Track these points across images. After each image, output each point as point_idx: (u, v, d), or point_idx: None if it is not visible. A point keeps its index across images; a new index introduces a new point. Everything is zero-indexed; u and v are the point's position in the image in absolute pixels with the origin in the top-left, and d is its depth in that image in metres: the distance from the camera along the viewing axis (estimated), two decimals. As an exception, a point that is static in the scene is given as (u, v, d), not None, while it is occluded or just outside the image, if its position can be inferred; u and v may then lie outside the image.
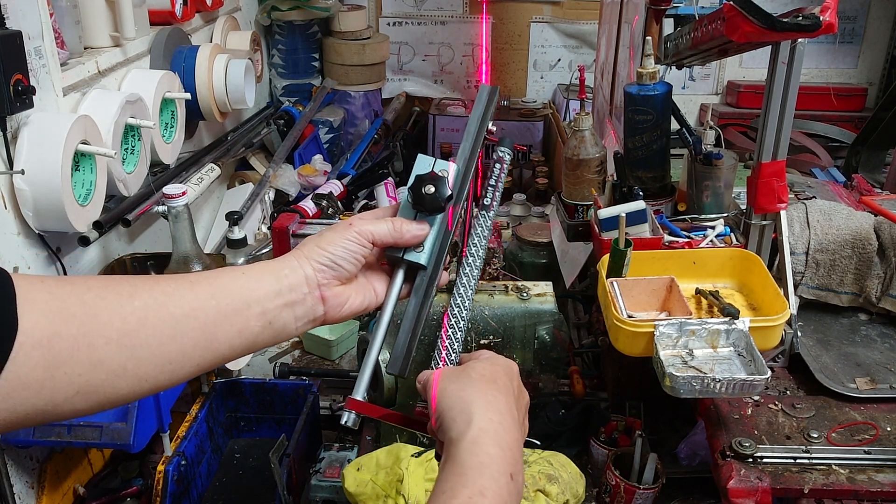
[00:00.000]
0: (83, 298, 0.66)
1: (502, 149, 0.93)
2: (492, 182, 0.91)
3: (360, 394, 0.80)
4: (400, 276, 0.85)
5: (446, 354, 0.83)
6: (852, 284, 1.49)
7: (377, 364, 0.83)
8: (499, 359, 0.79)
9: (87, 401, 0.66)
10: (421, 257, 0.84)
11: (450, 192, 0.83)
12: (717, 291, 1.32)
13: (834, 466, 1.17)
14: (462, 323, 0.86)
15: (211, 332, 0.72)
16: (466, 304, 0.86)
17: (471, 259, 0.88)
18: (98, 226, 1.69)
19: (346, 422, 0.78)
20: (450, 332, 0.84)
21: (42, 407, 0.63)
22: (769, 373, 1.12)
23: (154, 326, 0.69)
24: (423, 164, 0.86)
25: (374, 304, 0.86)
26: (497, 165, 0.92)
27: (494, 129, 0.92)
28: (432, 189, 0.82)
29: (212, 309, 0.72)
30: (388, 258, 0.86)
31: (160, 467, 1.50)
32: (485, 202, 0.90)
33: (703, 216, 1.57)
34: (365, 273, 0.85)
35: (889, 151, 2.42)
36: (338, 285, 0.81)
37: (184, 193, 1.67)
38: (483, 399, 0.71)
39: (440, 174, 0.85)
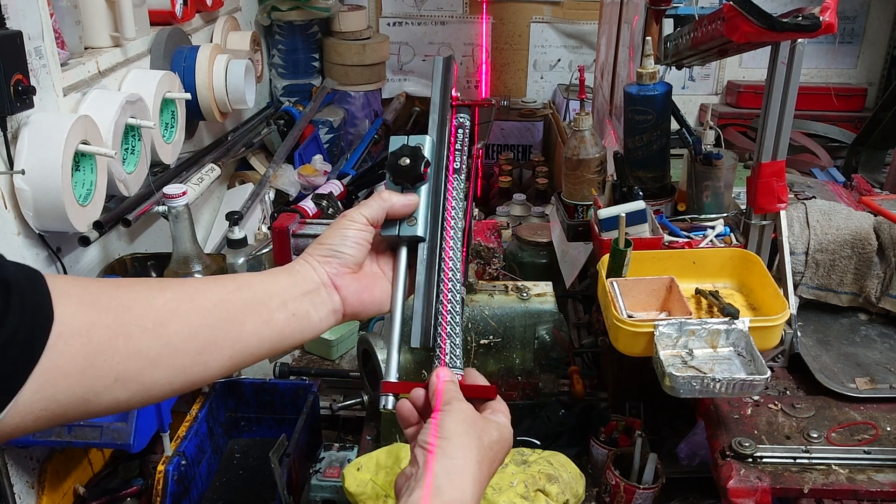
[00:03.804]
0: (115, 294, 0.70)
1: (462, 115, 0.96)
2: (458, 147, 0.95)
3: (392, 375, 0.81)
4: (404, 253, 0.87)
5: (448, 326, 0.83)
6: (852, 284, 1.49)
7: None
8: (508, 432, 0.78)
9: (127, 389, 0.68)
10: (417, 229, 0.86)
11: (426, 158, 0.85)
12: (716, 291, 1.32)
13: (834, 466, 1.17)
14: (460, 288, 0.86)
15: (239, 322, 0.76)
16: (458, 266, 0.87)
17: (453, 223, 0.90)
18: (98, 226, 1.69)
19: (384, 406, 0.79)
20: (450, 297, 0.84)
21: (82, 395, 0.65)
22: (769, 373, 1.12)
23: (185, 316, 0.72)
24: (396, 143, 0.88)
25: None
26: (460, 131, 0.95)
27: (458, 94, 0.97)
28: (407, 160, 0.85)
29: (238, 300, 0.76)
30: (387, 240, 0.87)
31: (160, 467, 1.50)
32: (455, 166, 0.93)
33: (703, 216, 1.58)
34: (379, 265, 0.88)
35: (889, 151, 2.42)
36: (348, 273, 0.84)
37: (184, 193, 1.67)
38: (479, 485, 0.71)
39: (414, 146, 0.87)
